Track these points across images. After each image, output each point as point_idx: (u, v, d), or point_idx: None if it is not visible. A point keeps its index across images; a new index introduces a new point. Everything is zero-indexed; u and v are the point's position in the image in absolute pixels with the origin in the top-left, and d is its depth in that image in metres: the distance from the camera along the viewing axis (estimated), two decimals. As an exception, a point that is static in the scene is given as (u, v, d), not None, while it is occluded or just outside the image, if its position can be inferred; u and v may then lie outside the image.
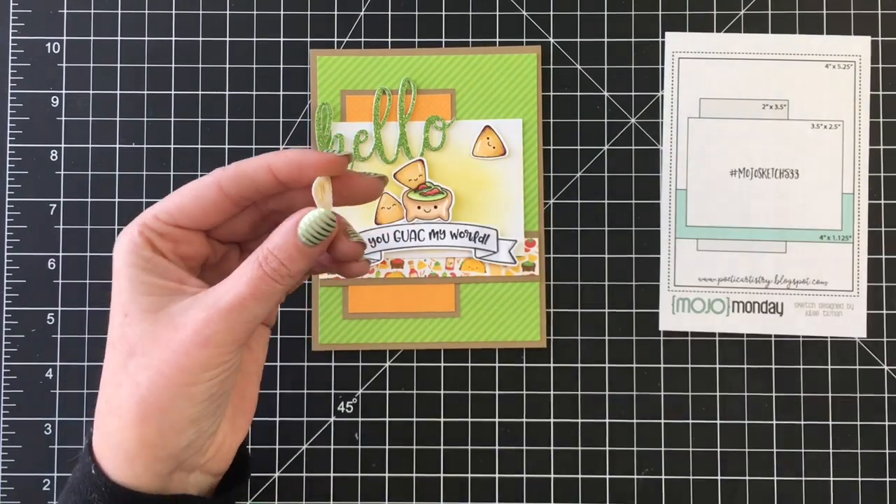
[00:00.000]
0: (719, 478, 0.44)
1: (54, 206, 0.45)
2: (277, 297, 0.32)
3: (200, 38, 0.45)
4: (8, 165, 0.45)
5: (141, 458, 0.32)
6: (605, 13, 0.45)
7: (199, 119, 0.45)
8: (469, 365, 0.45)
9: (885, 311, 0.45)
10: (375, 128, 0.45)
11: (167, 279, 0.33)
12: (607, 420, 0.44)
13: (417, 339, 0.44)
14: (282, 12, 0.45)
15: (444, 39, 0.45)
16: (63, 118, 0.45)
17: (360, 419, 0.45)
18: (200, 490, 0.34)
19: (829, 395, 0.44)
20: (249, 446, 0.44)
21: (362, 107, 0.45)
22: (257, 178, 0.33)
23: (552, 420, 0.44)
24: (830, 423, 0.44)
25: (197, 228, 0.34)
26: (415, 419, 0.44)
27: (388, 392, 0.45)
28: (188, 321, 0.31)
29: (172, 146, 0.45)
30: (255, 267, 0.32)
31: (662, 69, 0.45)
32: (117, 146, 0.45)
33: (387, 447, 0.44)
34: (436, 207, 0.44)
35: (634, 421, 0.44)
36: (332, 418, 0.44)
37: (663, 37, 0.45)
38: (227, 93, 0.45)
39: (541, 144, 0.45)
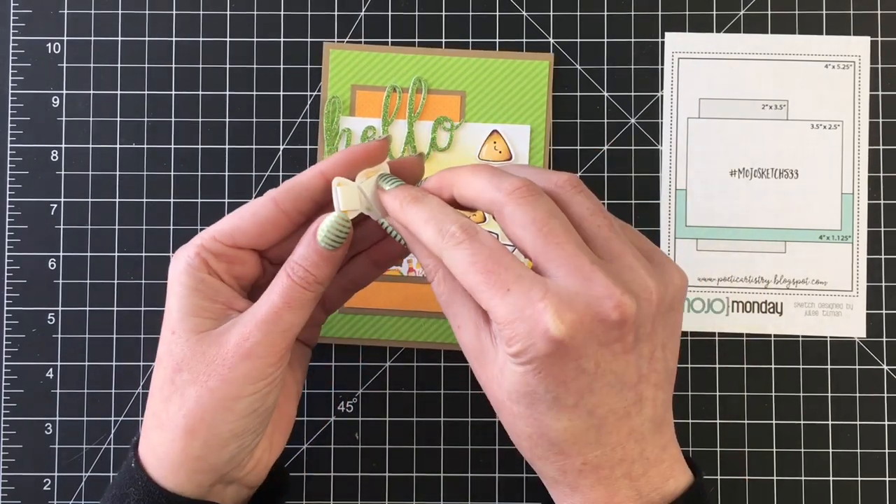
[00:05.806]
0: (719, 477, 0.44)
1: (55, 206, 0.45)
2: (309, 304, 0.33)
3: (201, 39, 0.45)
4: (8, 165, 0.45)
5: (184, 470, 0.33)
6: (605, 13, 0.45)
7: (200, 119, 0.45)
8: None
9: (884, 311, 0.45)
10: (384, 124, 0.45)
11: (217, 302, 0.34)
12: (607, 420, 0.44)
13: (413, 338, 0.44)
14: (282, 13, 0.45)
15: (443, 40, 0.45)
16: (63, 118, 0.45)
17: (360, 419, 0.45)
18: (235, 502, 0.36)
19: (829, 394, 0.44)
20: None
21: (372, 102, 0.45)
22: (311, 186, 0.34)
23: (552, 420, 0.44)
24: (830, 422, 0.44)
25: (254, 248, 0.35)
26: (415, 419, 0.44)
27: (388, 392, 0.45)
28: (231, 337, 0.33)
29: (173, 146, 0.45)
30: (284, 278, 0.33)
31: (662, 69, 0.45)
32: (118, 146, 0.45)
33: (387, 447, 0.44)
34: (436, 207, 0.44)
35: (634, 421, 0.44)
36: (333, 418, 0.44)
37: (663, 37, 0.45)
38: (227, 93, 0.45)
39: (548, 151, 0.45)
